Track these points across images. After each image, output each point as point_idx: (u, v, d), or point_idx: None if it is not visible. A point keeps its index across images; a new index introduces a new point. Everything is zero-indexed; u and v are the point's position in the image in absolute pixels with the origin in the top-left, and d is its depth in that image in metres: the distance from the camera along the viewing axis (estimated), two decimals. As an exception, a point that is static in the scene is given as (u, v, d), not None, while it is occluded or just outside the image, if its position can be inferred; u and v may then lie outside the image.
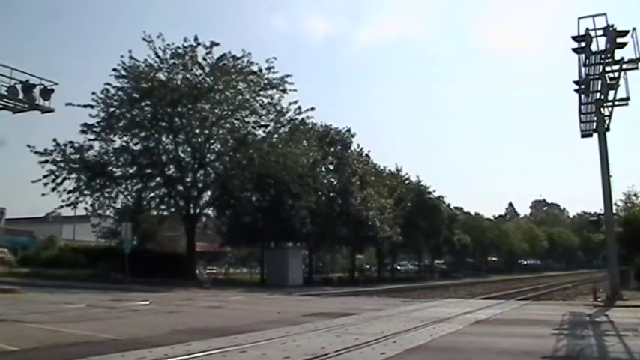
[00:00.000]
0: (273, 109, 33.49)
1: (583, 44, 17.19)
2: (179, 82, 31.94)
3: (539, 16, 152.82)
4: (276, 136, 34.15)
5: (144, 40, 30.75)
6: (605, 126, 18.99)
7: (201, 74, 32.07)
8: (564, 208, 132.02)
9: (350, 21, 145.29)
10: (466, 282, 48.05)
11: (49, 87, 18.21)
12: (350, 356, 7.24)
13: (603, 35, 16.67)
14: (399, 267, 64.12)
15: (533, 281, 49.87)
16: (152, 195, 33.91)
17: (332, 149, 40.24)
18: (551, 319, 12.66)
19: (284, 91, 32.80)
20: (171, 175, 33.14)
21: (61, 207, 31.61)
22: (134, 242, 30.14)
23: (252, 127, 33.86)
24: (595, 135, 19.35)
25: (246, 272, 46.54)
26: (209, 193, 34.40)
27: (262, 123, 33.81)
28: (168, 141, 33.29)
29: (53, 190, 30.51)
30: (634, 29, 16.36)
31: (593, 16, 16.93)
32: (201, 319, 12.94)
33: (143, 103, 32.05)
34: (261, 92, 33.06)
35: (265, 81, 32.65)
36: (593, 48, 17.10)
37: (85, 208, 32.36)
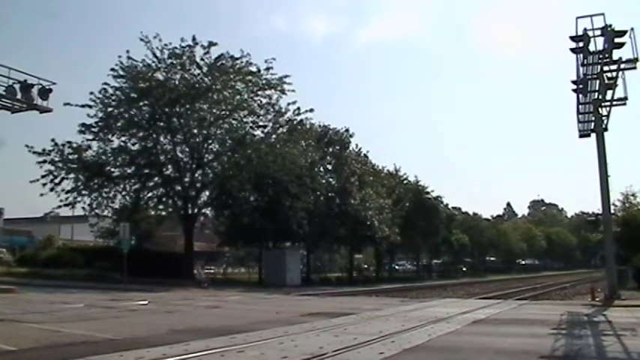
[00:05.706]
0: (272, 110, 33.52)
1: (581, 44, 17.24)
2: (177, 82, 31.89)
3: (539, 16, 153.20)
4: (274, 136, 34.15)
5: (141, 40, 30.80)
6: (603, 126, 19.01)
7: (199, 74, 32.06)
8: (562, 208, 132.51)
9: (350, 21, 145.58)
10: (464, 282, 48.03)
11: (47, 87, 18.24)
12: (348, 356, 7.23)
13: (601, 35, 16.72)
14: (397, 267, 64.10)
15: (532, 281, 49.87)
16: (150, 195, 33.90)
17: (330, 149, 40.22)
18: (550, 318, 12.67)
19: (282, 91, 32.83)
20: (170, 175, 33.08)
21: (59, 207, 31.67)
22: (132, 242, 30.11)
23: (251, 128, 33.92)
24: (593, 135, 19.36)
25: (244, 272, 46.50)
26: (207, 193, 34.37)
27: (260, 123, 33.87)
28: (167, 141, 33.28)
29: (51, 190, 30.49)
30: (632, 29, 16.44)
31: (591, 16, 17.00)
32: (199, 319, 12.92)
33: (141, 103, 32.01)
34: (260, 92, 33.08)
35: (264, 81, 32.65)
36: (592, 48, 17.16)
37: (83, 208, 32.32)
